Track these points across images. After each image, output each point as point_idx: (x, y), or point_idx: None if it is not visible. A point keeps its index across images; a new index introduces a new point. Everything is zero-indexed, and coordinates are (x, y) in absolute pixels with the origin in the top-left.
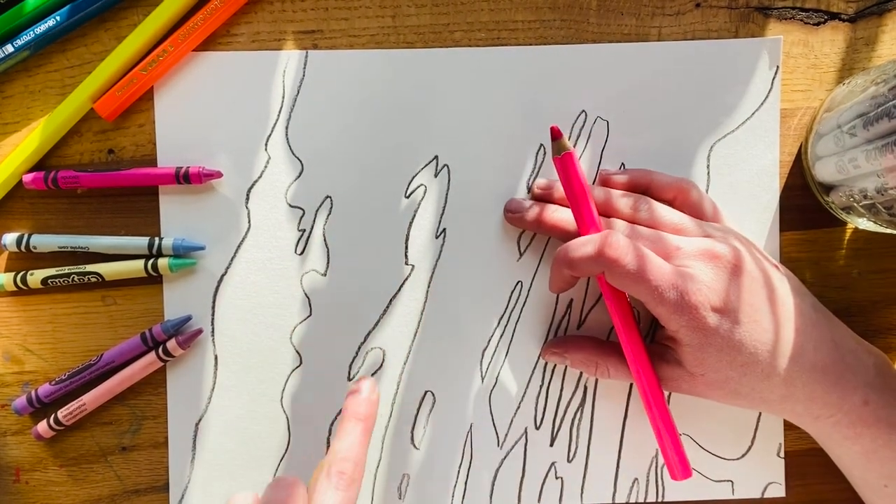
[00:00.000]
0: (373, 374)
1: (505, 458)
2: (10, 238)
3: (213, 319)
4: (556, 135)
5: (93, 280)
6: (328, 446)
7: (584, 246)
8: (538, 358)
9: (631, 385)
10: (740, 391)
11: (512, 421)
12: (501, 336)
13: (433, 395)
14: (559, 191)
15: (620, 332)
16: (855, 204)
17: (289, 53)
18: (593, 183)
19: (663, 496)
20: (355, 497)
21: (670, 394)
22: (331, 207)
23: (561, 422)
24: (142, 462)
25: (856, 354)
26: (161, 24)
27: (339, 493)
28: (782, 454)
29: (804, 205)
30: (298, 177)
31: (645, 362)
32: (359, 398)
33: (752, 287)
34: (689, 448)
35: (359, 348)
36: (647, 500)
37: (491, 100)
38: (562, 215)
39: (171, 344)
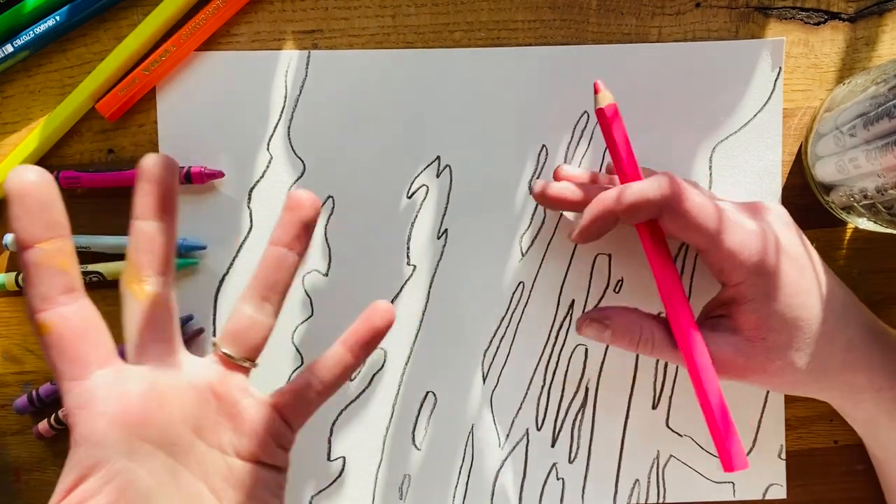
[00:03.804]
0: (374, 375)
1: (506, 458)
2: (11, 237)
3: (214, 319)
4: (597, 89)
5: (94, 280)
6: (329, 446)
7: (644, 187)
8: (539, 358)
9: (632, 386)
10: (800, 360)
11: (513, 422)
12: (503, 337)
13: (434, 395)
14: (565, 171)
15: (665, 290)
16: (855, 204)
17: (291, 53)
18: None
19: (664, 497)
20: None
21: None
22: (332, 207)
23: (562, 423)
24: None
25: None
26: (160, 24)
27: None
28: (783, 456)
29: (804, 205)
30: (300, 177)
31: (692, 325)
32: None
33: (806, 246)
34: (689, 449)
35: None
36: (649, 502)
37: (492, 100)
38: (563, 186)
39: None
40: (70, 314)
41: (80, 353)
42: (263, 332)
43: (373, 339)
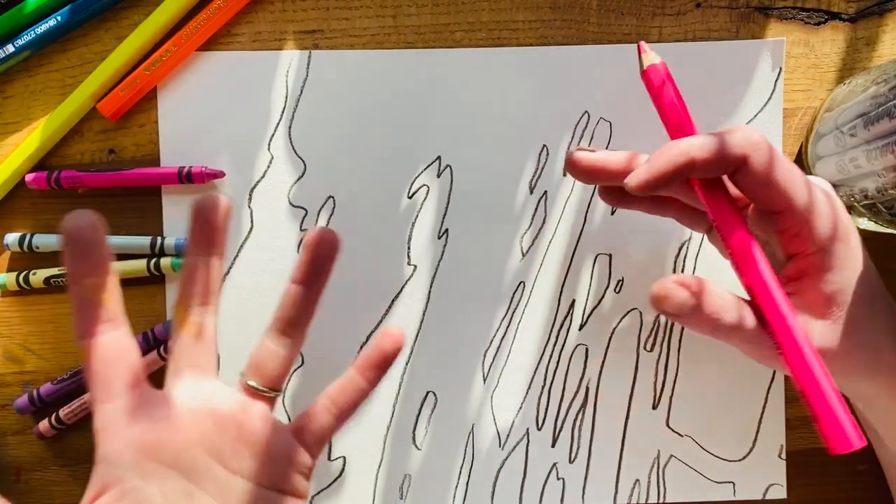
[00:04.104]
0: None
1: (506, 458)
2: (12, 238)
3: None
4: (642, 49)
5: None
6: (329, 446)
7: (731, 137)
8: (540, 358)
9: (633, 386)
10: (860, 340)
11: (513, 421)
12: (503, 337)
13: (435, 395)
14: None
15: (746, 258)
16: (855, 204)
17: (292, 53)
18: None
19: (665, 497)
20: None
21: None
22: (333, 208)
23: (563, 422)
24: None
25: None
26: (161, 24)
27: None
28: (784, 456)
29: None
30: (301, 177)
31: (778, 288)
32: None
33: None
34: (690, 449)
35: (360, 348)
36: (649, 502)
37: (492, 100)
38: (599, 153)
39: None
40: (105, 342)
41: (108, 377)
42: (283, 364)
43: (383, 363)
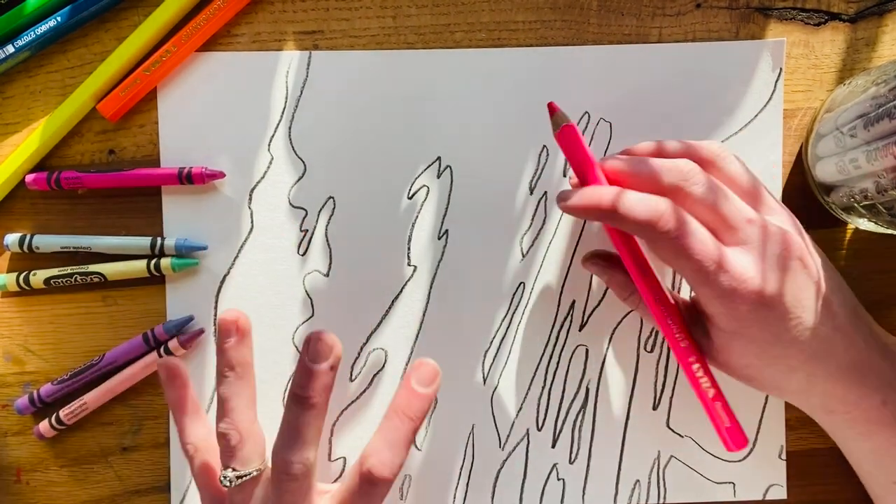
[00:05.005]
0: (374, 375)
1: (506, 459)
2: (12, 238)
3: (214, 320)
4: (552, 110)
5: (95, 280)
6: (329, 446)
7: (647, 208)
8: (540, 359)
9: (633, 387)
10: (757, 377)
11: (514, 422)
12: (504, 337)
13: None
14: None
15: (649, 294)
16: (855, 204)
17: (292, 54)
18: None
19: (665, 498)
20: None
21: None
22: (333, 208)
23: (563, 423)
24: (143, 462)
25: (882, 353)
26: (161, 25)
27: None
28: (784, 456)
29: (805, 205)
30: (301, 177)
31: (682, 327)
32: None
33: (803, 282)
34: (690, 450)
35: (361, 349)
36: (649, 503)
37: (493, 101)
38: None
39: (173, 344)
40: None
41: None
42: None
43: None
